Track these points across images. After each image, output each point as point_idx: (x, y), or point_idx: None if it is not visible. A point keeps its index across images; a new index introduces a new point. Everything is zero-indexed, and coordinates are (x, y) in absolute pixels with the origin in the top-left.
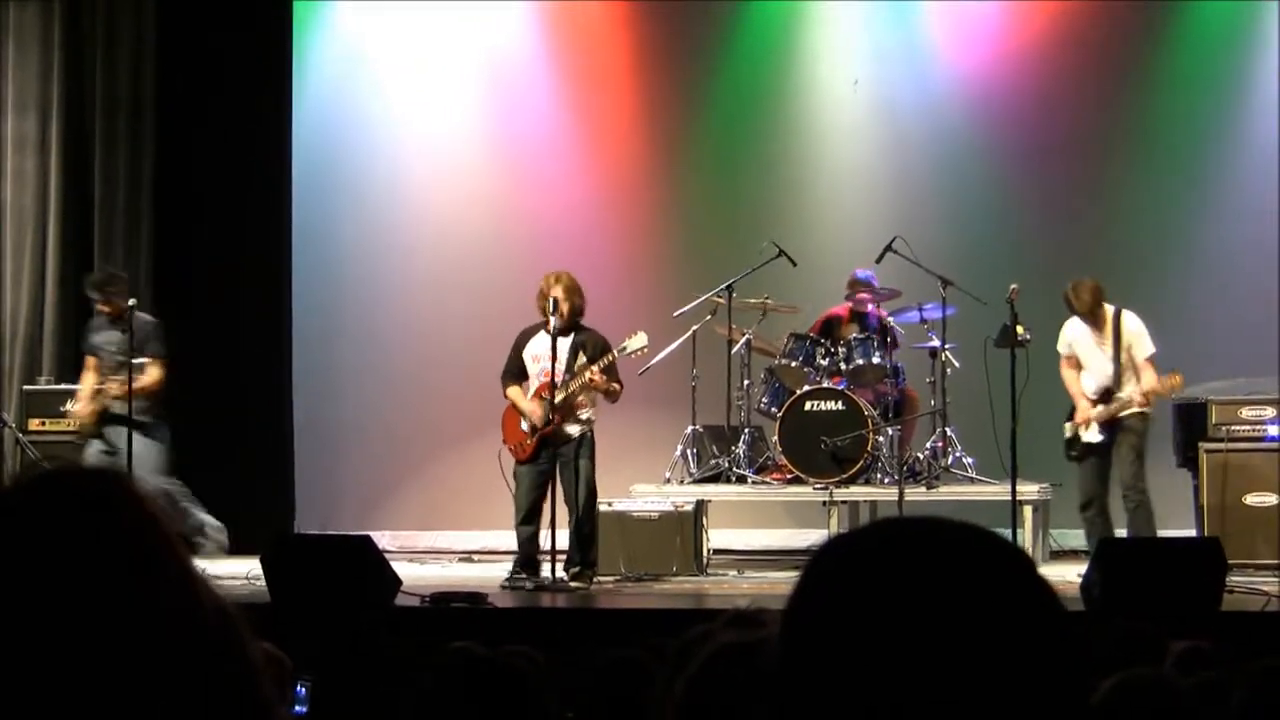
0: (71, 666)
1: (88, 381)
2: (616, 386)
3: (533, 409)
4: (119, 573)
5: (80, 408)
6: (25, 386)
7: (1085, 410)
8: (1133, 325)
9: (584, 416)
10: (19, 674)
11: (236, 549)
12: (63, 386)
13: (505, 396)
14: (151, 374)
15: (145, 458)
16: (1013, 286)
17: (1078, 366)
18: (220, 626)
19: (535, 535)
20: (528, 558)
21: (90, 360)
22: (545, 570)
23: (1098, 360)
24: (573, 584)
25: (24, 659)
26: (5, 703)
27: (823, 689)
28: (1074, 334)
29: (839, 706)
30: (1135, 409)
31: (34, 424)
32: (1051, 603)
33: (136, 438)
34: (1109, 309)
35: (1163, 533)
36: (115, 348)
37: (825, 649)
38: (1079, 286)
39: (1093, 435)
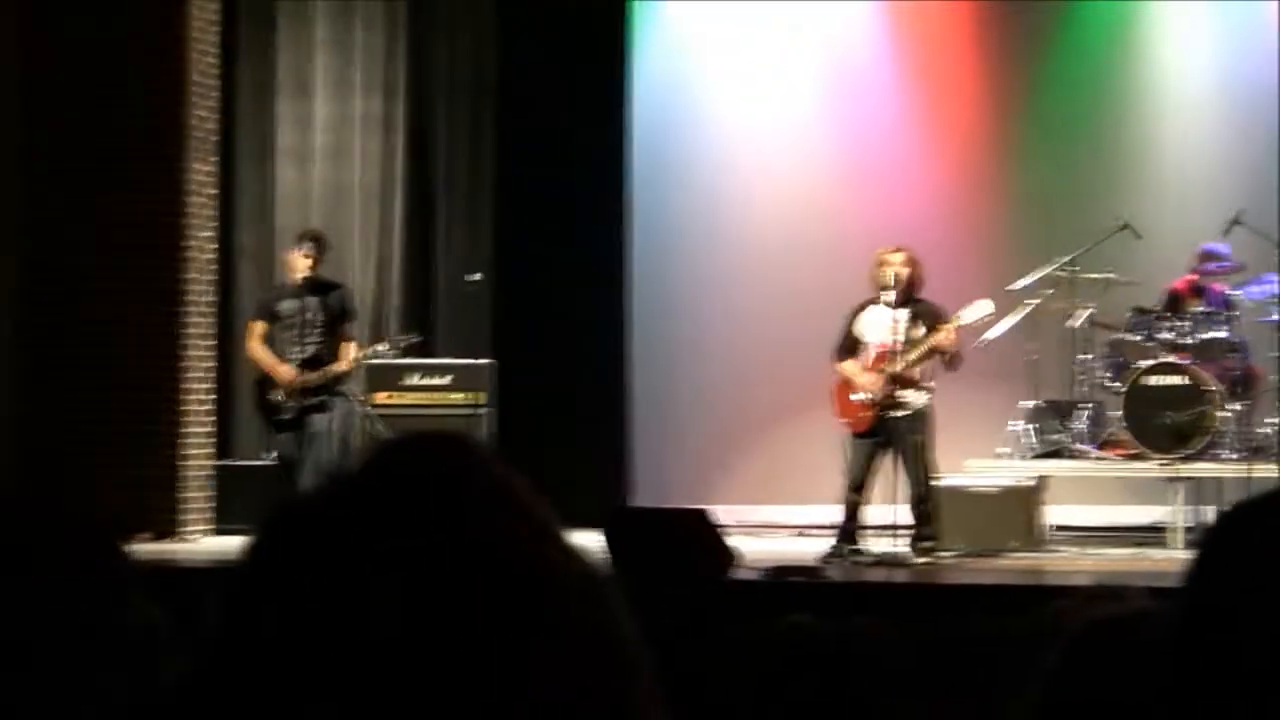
0: (449, 646)
1: (262, 352)
2: (960, 353)
3: (869, 380)
4: (485, 545)
5: (290, 378)
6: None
7: None
8: None
9: (922, 388)
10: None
11: (575, 521)
12: (406, 360)
13: (837, 370)
14: (352, 351)
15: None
16: None
17: None
18: (595, 597)
19: (860, 508)
20: (850, 531)
21: (259, 327)
22: (878, 544)
23: None
24: (918, 560)
25: (391, 648)
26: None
27: (1230, 660)
28: None
29: (1243, 679)
30: None
31: (380, 397)
32: None
33: (327, 418)
34: None
35: None
36: (313, 315)
37: (1232, 620)
38: None
39: None
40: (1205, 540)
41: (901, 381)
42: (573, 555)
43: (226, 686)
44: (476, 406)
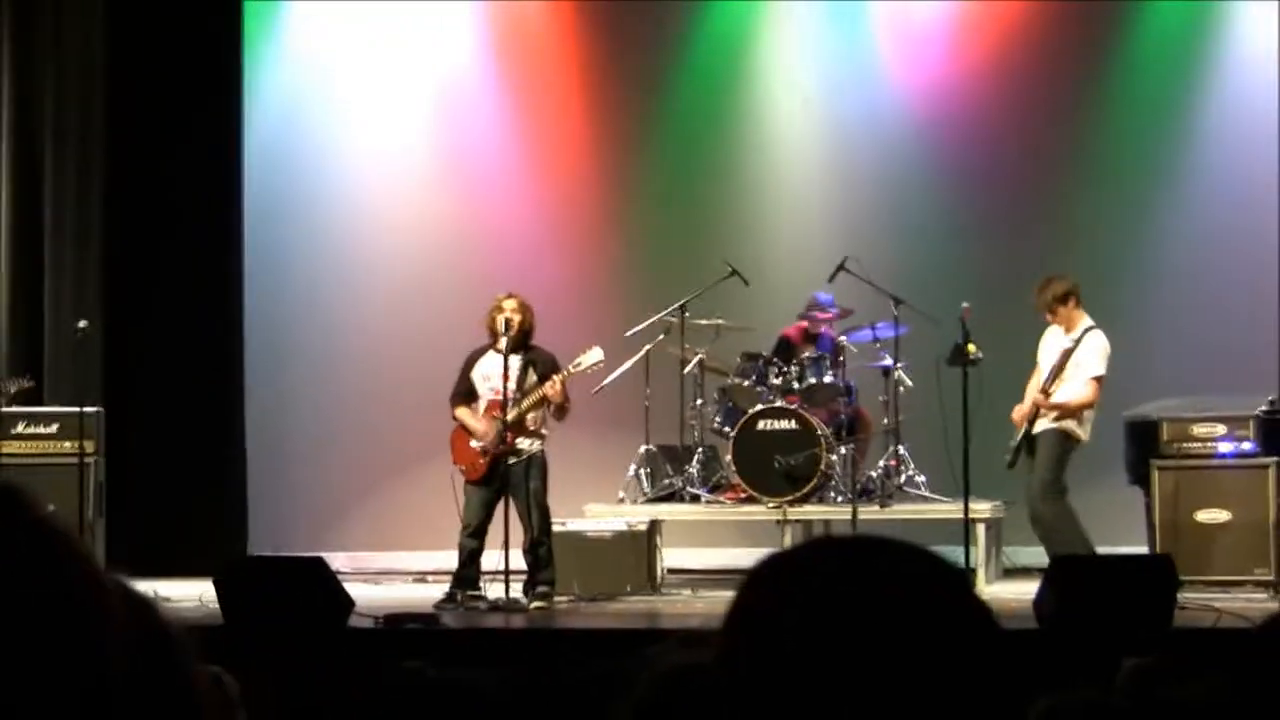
0: None
1: None
2: (567, 403)
3: (484, 428)
4: (15, 592)
5: None
6: None
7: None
8: (1093, 342)
9: (535, 435)
10: None
11: (190, 571)
12: (10, 410)
13: (454, 418)
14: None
15: None
16: (964, 305)
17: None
18: (161, 649)
19: (478, 553)
20: (466, 577)
21: None
22: (495, 590)
23: (1045, 363)
24: (533, 605)
25: None
26: None
27: (758, 707)
28: (1044, 342)
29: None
30: (1052, 423)
31: None
32: (984, 620)
33: None
34: (1082, 321)
35: (1115, 550)
36: None
37: (760, 667)
38: (1044, 283)
39: (1019, 435)
40: (737, 592)
41: (516, 429)
42: (132, 608)
43: None
44: (85, 455)
